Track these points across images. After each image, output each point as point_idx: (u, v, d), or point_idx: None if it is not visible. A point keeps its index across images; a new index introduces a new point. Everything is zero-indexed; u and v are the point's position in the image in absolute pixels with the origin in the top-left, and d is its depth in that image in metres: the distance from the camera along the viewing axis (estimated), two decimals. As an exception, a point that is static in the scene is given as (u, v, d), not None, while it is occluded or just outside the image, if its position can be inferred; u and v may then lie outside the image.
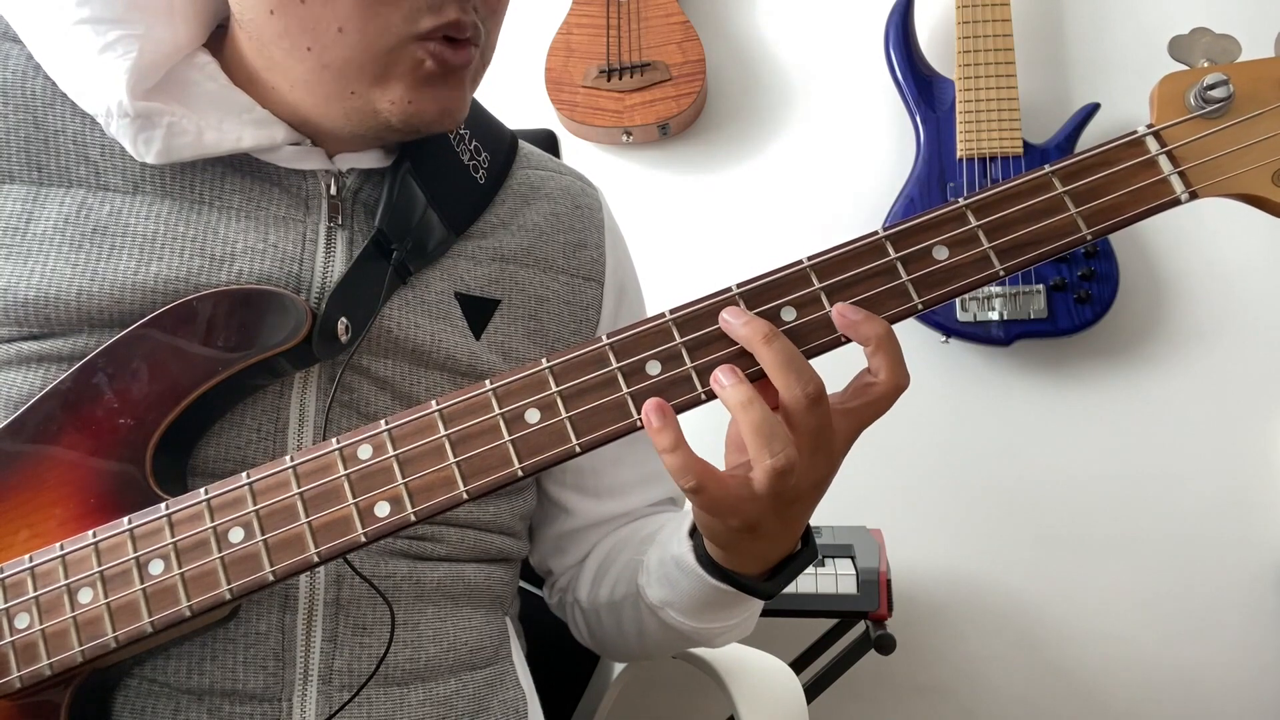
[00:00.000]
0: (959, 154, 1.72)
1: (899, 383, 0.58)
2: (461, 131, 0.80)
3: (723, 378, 0.57)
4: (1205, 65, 0.58)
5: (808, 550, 0.69)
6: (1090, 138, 1.75)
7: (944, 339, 1.74)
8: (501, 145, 0.84)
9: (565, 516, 0.87)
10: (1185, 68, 0.59)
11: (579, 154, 1.92)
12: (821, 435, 0.57)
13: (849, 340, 0.58)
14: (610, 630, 0.85)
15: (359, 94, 0.68)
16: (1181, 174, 0.58)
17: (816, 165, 1.89)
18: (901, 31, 1.79)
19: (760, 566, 0.67)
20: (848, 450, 0.60)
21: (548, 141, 1.23)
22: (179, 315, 0.65)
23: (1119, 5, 1.82)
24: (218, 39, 0.75)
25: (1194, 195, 0.57)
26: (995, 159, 1.71)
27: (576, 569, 0.88)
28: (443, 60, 0.68)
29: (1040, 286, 1.69)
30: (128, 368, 0.63)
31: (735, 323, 0.57)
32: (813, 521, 0.67)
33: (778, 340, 0.56)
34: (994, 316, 1.69)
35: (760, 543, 0.64)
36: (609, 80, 1.83)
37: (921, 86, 1.78)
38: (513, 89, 1.91)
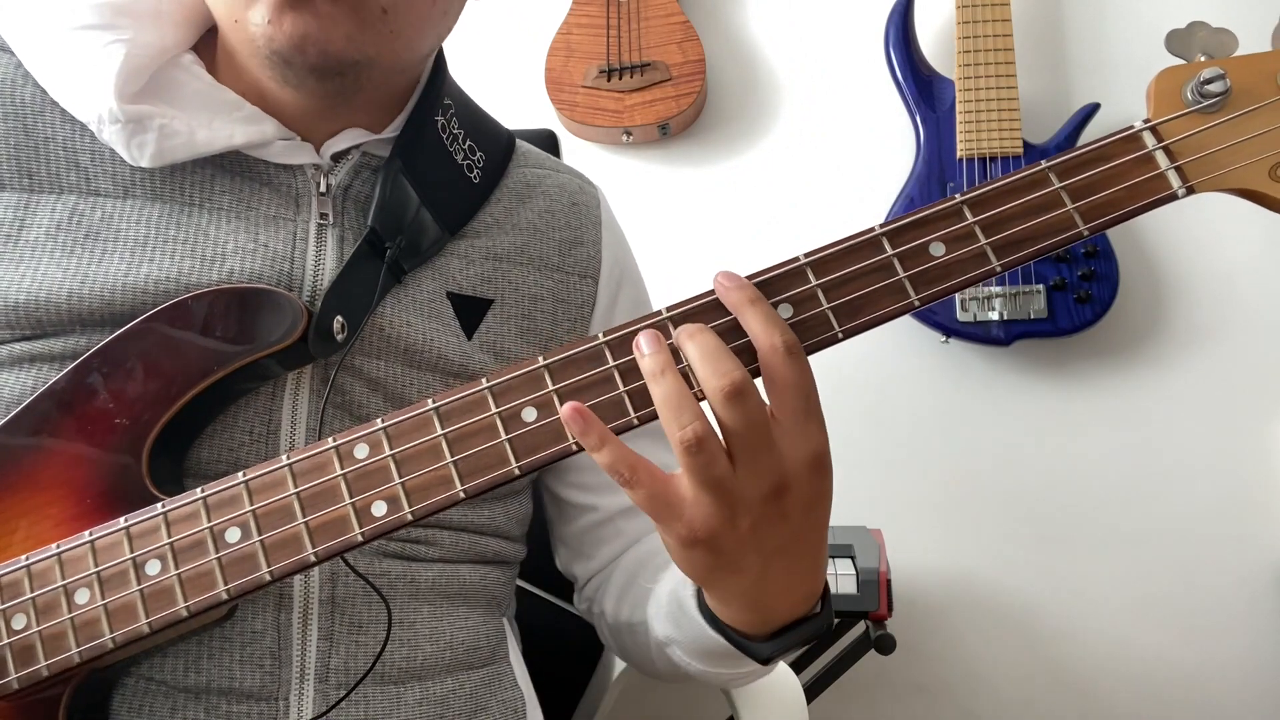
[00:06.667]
0: (959, 154, 1.72)
1: (773, 342, 0.53)
2: (455, 131, 0.80)
3: (644, 344, 0.54)
4: (1202, 59, 0.58)
5: (817, 619, 0.63)
6: (1090, 138, 1.74)
7: (944, 339, 1.73)
8: (498, 145, 0.84)
9: (576, 514, 0.86)
10: (1182, 62, 0.58)
11: (579, 154, 1.92)
12: (753, 437, 0.53)
13: (848, 336, 0.57)
14: (633, 650, 0.84)
15: (241, 22, 0.67)
16: (1179, 169, 0.57)
17: (816, 165, 1.89)
18: (901, 31, 1.79)
19: (753, 619, 0.63)
20: (811, 460, 0.54)
21: (548, 141, 1.23)
22: (175, 314, 0.64)
23: (1119, 5, 1.82)
24: (207, 44, 0.75)
25: (1191, 190, 0.57)
26: (995, 159, 1.70)
27: (603, 577, 0.86)
28: None
29: (1040, 286, 1.68)
30: (123, 367, 0.63)
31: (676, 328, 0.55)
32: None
33: (701, 335, 0.54)
34: (994, 316, 1.68)
35: (736, 577, 0.58)
36: (609, 80, 1.83)
37: (921, 86, 1.77)
38: (513, 89, 1.92)
